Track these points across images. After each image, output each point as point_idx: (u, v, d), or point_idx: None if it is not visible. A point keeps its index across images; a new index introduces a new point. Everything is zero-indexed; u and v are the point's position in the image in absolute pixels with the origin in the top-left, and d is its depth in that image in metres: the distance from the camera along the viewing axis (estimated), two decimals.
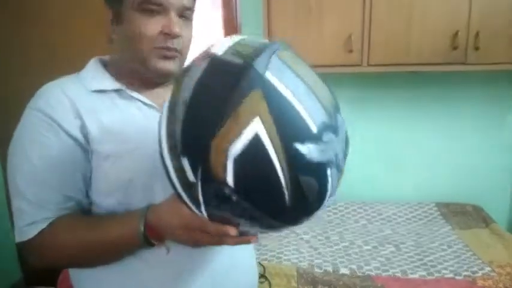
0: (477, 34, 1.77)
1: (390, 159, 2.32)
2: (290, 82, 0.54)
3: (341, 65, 1.89)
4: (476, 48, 1.79)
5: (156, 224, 0.72)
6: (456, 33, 1.78)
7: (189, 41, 0.83)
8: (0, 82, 2.46)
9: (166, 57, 0.79)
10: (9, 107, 2.48)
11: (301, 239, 1.89)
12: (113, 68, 0.85)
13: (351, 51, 1.84)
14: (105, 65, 0.87)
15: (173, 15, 0.77)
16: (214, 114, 0.53)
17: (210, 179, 0.54)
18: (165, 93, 0.88)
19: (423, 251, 1.77)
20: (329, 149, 0.54)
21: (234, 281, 0.90)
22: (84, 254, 0.77)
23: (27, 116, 0.77)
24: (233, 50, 0.57)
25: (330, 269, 1.64)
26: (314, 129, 0.53)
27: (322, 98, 0.56)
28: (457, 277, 1.55)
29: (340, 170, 0.59)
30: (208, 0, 2.27)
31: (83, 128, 0.76)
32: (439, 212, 2.17)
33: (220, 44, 0.60)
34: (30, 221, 0.74)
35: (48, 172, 0.75)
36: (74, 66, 0.90)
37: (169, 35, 0.77)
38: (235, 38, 0.60)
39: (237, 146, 0.51)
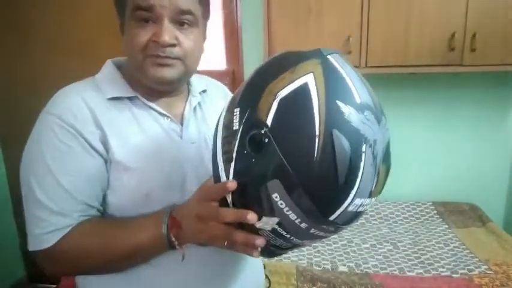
0: (474, 35, 1.79)
1: None
2: (347, 69, 0.59)
3: None
4: (473, 50, 1.81)
5: (177, 215, 0.71)
6: (453, 35, 1.81)
7: (192, 46, 0.78)
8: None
9: (160, 65, 0.76)
10: (9, 108, 2.50)
11: None
12: (127, 75, 0.83)
13: (349, 52, 1.86)
14: (120, 68, 0.85)
15: (166, 22, 0.74)
16: (276, 69, 0.59)
17: (253, 119, 0.57)
18: (176, 103, 0.87)
19: (420, 249, 1.80)
20: (368, 126, 0.56)
21: (242, 283, 0.89)
22: (105, 259, 0.74)
23: (46, 122, 0.74)
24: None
25: (328, 266, 1.66)
26: (358, 100, 0.56)
27: (373, 94, 0.60)
28: (454, 275, 1.57)
29: (375, 165, 0.58)
30: None
31: (103, 138, 0.75)
32: (436, 211, 2.20)
33: None
34: (51, 229, 0.71)
35: (70, 182, 0.72)
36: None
37: (158, 42, 0.74)
38: None
39: (286, 90, 0.56)
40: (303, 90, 0.55)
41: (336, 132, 0.53)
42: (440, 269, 1.62)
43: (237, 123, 0.59)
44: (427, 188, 2.35)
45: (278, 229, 0.59)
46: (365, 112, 0.56)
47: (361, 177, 0.55)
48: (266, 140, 0.55)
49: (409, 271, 1.62)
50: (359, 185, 0.55)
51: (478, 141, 2.28)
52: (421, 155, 2.33)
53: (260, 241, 0.60)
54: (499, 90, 2.21)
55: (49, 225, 0.71)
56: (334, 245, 1.85)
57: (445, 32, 1.82)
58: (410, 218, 2.16)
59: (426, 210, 2.21)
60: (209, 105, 0.93)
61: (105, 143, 0.74)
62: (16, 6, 2.31)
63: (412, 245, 1.84)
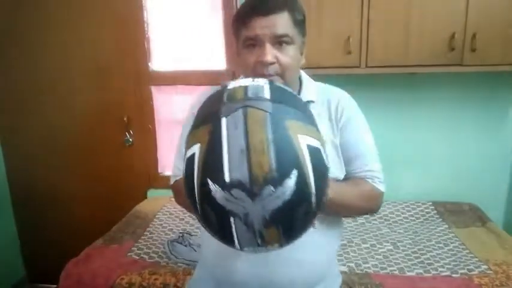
0: (474, 35, 1.79)
1: (388, 159, 2.30)
2: (235, 135, 0.63)
3: (339, 67, 1.91)
4: (473, 50, 1.81)
5: None
6: (453, 35, 1.81)
7: (289, 61, 0.95)
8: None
9: None
10: (9, 109, 2.50)
11: None
12: None
13: (349, 52, 1.86)
14: None
15: (267, 46, 0.92)
16: (195, 120, 0.73)
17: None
18: None
19: (420, 249, 1.79)
20: (236, 203, 0.63)
21: (285, 277, 1.00)
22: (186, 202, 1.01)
23: (189, 111, 1.08)
24: (233, 90, 0.69)
25: None
26: (227, 179, 0.62)
27: (256, 165, 0.62)
28: (453, 275, 1.57)
29: (253, 231, 0.64)
30: (208, 1, 2.29)
31: None
32: (435, 211, 2.20)
33: (240, 81, 0.73)
34: (171, 174, 1.12)
35: (183, 147, 0.96)
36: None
37: (262, 62, 0.92)
38: (255, 82, 0.71)
39: (188, 154, 0.69)
40: (191, 161, 0.67)
41: (205, 206, 0.66)
42: (440, 269, 1.62)
43: None
44: (427, 188, 2.35)
45: None
46: (232, 190, 0.62)
47: (238, 241, 0.67)
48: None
49: (409, 271, 1.62)
50: (241, 247, 0.68)
51: (478, 141, 2.28)
52: (421, 155, 2.33)
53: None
54: (499, 90, 2.21)
55: (172, 172, 1.11)
56: None
57: (445, 32, 1.82)
58: (410, 218, 2.16)
59: (426, 210, 2.21)
60: None
61: None
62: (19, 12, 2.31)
63: (412, 245, 1.84)
